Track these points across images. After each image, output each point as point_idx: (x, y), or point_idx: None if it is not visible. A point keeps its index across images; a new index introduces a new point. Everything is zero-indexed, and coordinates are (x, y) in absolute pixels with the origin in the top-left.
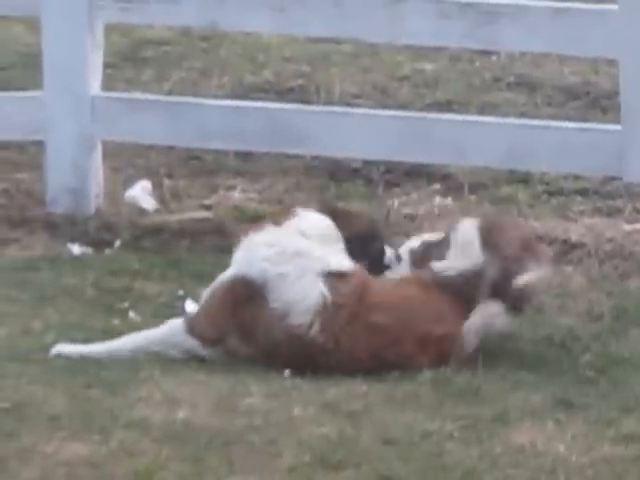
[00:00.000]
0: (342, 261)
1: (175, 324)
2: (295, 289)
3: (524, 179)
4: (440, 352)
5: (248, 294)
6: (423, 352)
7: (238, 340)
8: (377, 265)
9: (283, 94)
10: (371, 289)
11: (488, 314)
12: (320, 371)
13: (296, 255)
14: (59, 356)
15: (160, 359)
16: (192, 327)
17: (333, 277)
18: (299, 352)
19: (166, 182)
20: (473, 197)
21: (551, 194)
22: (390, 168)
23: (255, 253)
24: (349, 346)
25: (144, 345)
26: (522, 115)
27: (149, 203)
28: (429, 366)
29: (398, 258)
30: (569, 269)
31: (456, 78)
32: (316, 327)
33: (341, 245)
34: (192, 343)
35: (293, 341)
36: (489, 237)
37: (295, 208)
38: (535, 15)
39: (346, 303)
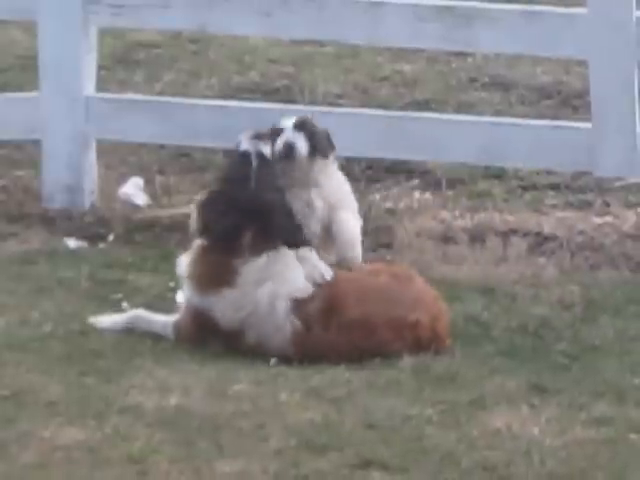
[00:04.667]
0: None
1: (167, 326)
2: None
3: (499, 174)
4: (416, 337)
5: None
6: (398, 338)
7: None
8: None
9: (269, 94)
10: (340, 286)
11: None
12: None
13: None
14: (100, 337)
15: (153, 348)
16: (178, 333)
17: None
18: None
19: (158, 179)
20: (451, 192)
21: (525, 189)
22: (371, 164)
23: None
24: (327, 348)
25: (146, 328)
26: (497, 114)
27: (141, 199)
28: (407, 351)
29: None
30: (542, 260)
31: (434, 78)
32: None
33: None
34: None
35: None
36: None
37: None
38: (509, 18)
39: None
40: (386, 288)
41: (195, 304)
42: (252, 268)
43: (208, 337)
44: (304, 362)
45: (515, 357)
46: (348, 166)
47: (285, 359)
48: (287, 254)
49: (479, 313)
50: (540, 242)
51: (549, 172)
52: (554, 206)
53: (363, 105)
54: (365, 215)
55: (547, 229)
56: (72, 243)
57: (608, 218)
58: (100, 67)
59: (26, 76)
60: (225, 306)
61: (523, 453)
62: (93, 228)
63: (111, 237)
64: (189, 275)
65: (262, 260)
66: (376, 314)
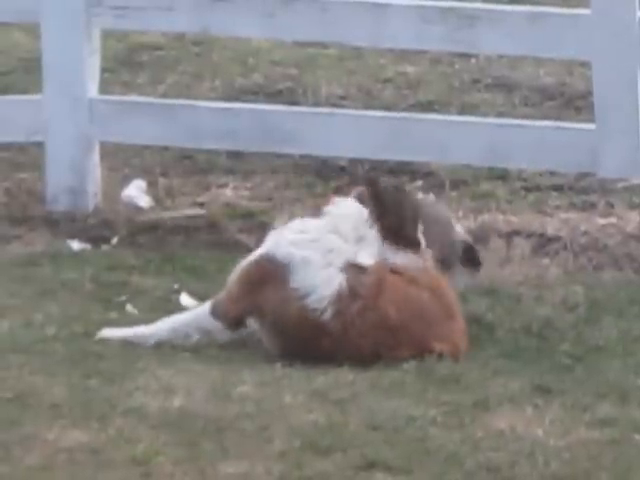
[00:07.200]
0: (366, 257)
1: (202, 307)
2: (318, 276)
3: (502, 176)
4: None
5: (270, 272)
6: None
7: (255, 318)
8: None
9: (272, 96)
10: (388, 287)
11: None
12: (320, 355)
13: (325, 248)
14: (104, 340)
15: (156, 350)
16: (215, 308)
17: (354, 270)
18: (307, 334)
19: (161, 181)
20: (454, 193)
21: (528, 190)
22: (375, 166)
23: (285, 236)
24: (355, 338)
25: (177, 327)
26: (500, 115)
27: (144, 201)
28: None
29: None
30: (546, 261)
31: (437, 80)
32: (329, 313)
33: (373, 240)
34: (214, 325)
35: (303, 322)
36: None
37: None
38: (512, 19)
39: (363, 296)
40: (423, 303)
41: None
42: None
43: None
44: (308, 363)
45: (519, 358)
46: (352, 167)
47: (290, 360)
48: None
49: (483, 314)
50: (543, 243)
51: (552, 173)
52: (557, 207)
53: (366, 107)
54: None
55: (550, 230)
56: (75, 245)
57: (612, 219)
58: (103, 69)
59: (29, 78)
60: None
61: (527, 454)
62: (96, 230)
63: (114, 239)
64: None
65: None
66: (406, 331)
